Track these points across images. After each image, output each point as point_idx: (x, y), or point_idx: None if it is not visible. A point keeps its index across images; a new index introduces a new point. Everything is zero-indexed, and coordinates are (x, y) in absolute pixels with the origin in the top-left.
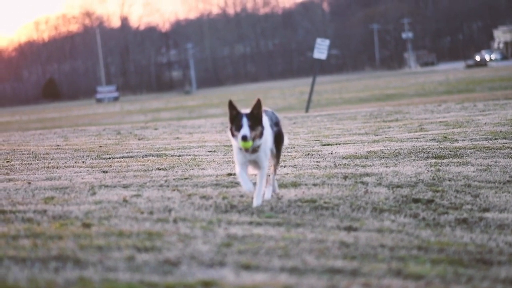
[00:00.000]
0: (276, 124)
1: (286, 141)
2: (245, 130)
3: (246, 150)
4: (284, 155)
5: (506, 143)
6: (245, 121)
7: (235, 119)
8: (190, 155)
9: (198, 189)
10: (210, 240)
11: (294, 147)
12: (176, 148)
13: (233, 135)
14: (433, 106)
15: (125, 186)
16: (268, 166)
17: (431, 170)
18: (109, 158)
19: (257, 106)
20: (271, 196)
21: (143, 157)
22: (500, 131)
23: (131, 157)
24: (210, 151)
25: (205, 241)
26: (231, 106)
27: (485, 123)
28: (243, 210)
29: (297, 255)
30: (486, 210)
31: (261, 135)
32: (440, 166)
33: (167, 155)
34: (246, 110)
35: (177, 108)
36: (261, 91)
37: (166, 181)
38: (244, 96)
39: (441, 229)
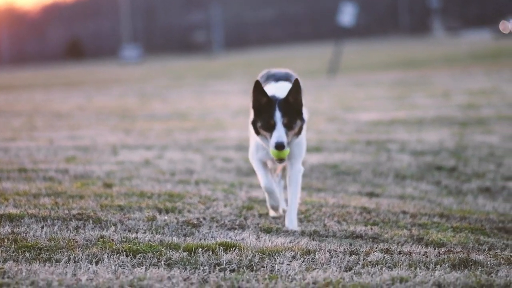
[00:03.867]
0: None
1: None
2: (280, 134)
3: (280, 160)
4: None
5: None
6: (278, 117)
7: (263, 110)
8: (213, 118)
9: (220, 151)
10: (231, 203)
11: (317, 112)
12: (199, 110)
13: (257, 132)
14: (458, 73)
15: (148, 147)
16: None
17: (455, 138)
18: (132, 119)
19: (295, 91)
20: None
21: (166, 119)
22: None
23: (154, 118)
24: (233, 114)
25: (226, 204)
26: (258, 89)
27: (511, 92)
28: None
29: (319, 219)
30: (509, 179)
31: (299, 131)
32: (464, 134)
33: (190, 117)
34: (276, 92)
35: (201, 70)
36: (288, 56)
37: (188, 143)
38: (269, 62)
39: (463, 197)
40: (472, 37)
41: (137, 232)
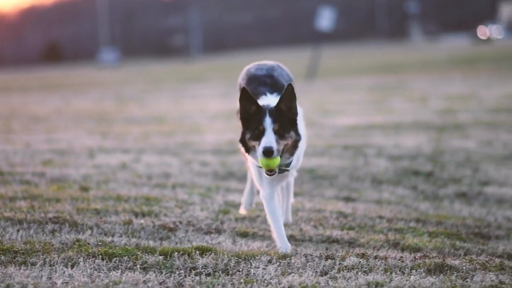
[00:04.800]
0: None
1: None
2: (269, 139)
3: (270, 171)
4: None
5: (508, 118)
6: (268, 123)
7: (252, 119)
8: (190, 122)
9: (197, 155)
10: (208, 207)
11: None
12: (176, 114)
13: (247, 148)
14: (435, 78)
15: (124, 151)
16: None
17: (432, 143)
18: (109, 123)
19: (289, 97)
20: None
21: (143, 123)
22: (503, 106)
23: (131, 122)
24: (211, 118)
25: (202, 208)
26: (245, 97)
27: (488, 97)
28: (242, 177)
29: (295, 224)
30: (486, 184)
31: (294, 146)
32: (441, 139)
33: (167, 121)
34: (267, 100)
35: (179, 74)
36: (266, 59)
37: (165, 146)
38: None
39: (439, 202)
40: (450, 42)
41: (113, 236)
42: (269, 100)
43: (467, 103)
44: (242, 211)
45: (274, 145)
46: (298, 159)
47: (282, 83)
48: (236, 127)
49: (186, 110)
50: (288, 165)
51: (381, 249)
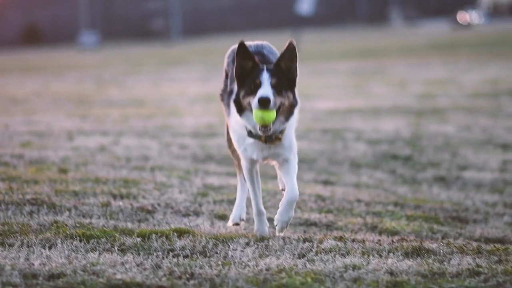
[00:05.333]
0: None
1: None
2: (266, 90)
3: (265, 127)
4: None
5: (487, 103)
6: (266, 77)
7: (247, 76)
8: (170, 105)
9: (176, 138)
10: (186, 189)
11: None
12: (156, 97)
13: (240, 107)
14: (415, 63)
15: (104, 133)
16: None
17: (411, 127)
18: (89, 105)
19: (289, 56)
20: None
21: (122, 105)
22: (482, 91)
23: (110, 104)
24: (190, 101)
25: (181, 190)
26: (242, 52)
27: (467, 82)
28: (221, 160)
29: (273, 206)
30: (464, 168)
31: (290, 110)
32: (420, 123)
33: (147, 104)
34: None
35: (159, 57)
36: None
37: (144, 129)
38: (227, 50)
39: (418, 186)
40: (430, 27)
41: (91, 218)
42: None
43: (446, 88)
44: (230, 224)
45: (270, 95)
46: (291, 141)
47: (271, 60)
48: (216, 111)
49: (165, 93)
50: (282, 132)
51: (359, 232)
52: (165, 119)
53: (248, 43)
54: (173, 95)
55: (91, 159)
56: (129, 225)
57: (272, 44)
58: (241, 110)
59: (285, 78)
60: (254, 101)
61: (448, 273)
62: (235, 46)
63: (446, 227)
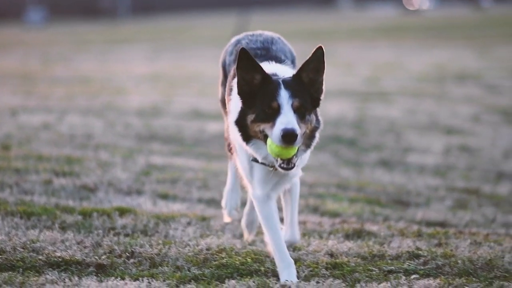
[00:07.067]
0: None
1: None
2: (289, 119)
3: (287, 164)
4: (209, 84)
5: (432, 87)
6: (285, 98)
7: (257, 94)
8: (115, 83)
9: (121, 117)
10: (130, 168)
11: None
12: (102, 75)
13: (247, 135)
14: (362, 46)
15: (48, 111)
16: None
17: (356, 110)
18: (34, 82)
19: (316, 65)
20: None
21: (68, 83)
22: (428, 75)
23: (56, 82)
24: (136, 80)
25: (124, 169)
26: (246, 60)
27: (414, 66)
28: (166, 139)
29: (216, 187)
30: (408, 152)
31: (312, 135)
32: (365, 106)
33: (92, 82)
34: (271, 66)
35: (106, 35)
36: (195, 24)
37: (89, 107)
38: (176, 29)
39: (361, 168)
40: (378, 11)
41: (32, 195)
42: (267, 68)
43: (392, 72)
44: (227, 219)
45: (296, 127)
46: (308, 154)
47: (278, 57)
48: (161, 91)
49: (112, 71)
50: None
51: (300, 214)
52: (111, 98)
53: (253, 35)
54: (120, 74)
55: (34, 137)
56: (71, 203)
57: (221, 24)
58: (247, 137)
59: (308, 96)
60: (274, 134)
61: (388, 255)
62: (238, 37)
63: (388, 210)
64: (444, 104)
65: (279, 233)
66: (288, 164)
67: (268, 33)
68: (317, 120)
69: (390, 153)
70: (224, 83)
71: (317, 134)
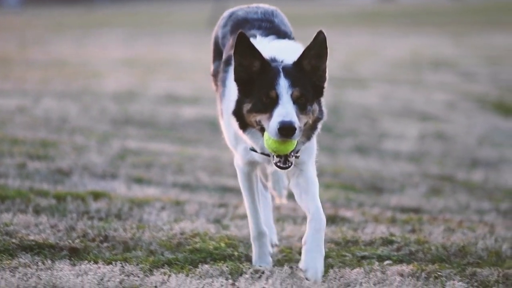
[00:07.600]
0: None
1: None
2: (287, 110)
3: (285, 163)
4: (185, 69)
5: (407, 74)
6: (284, 87)
7: (254, 81)
8: (91, 67)
9: (96, 101)
10: (104, 152)
11: (196, 65)
12: (78, 59)
13: (243, 124)
14: (339, 33)
15: (23, 94)
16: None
17: (331, 96)
18: (9, 66)
19: (318, 51)
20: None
21: (44, 67)
22: (403, 62)
23: (31, 66)
24: (112, 64)
25: (99, 153)
26: (244, 45)
27: (390, 53)
28: (141, 124)
29: (191, 171)
30: (383, 138)
31: (314, 126)
32: (341, 92)
33: (68, 66)
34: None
35: (82, 19)
36: (170, 9)
37: (65, 91)
38: (151, 14)
39: (336, 154)
40: None
41: (6, 178)
42: (263, 44)
43: (368, 58)
44: (281, 200)
45: (294, 119)
46: (312, 149)
47: (285, 31)
48: (137, 75)
49: (88, 55)
50: (298, 152)
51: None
52: (86, 82)
53: (251, 7)
54: (96, 58)
55: (9, 120)
56: (45, 186)
57: (196, 7)
58: (244, 125)
59: (309, 85)
60: (270, 127)
61: (362, 241)
62: (233, 10)
63: (362, 196)
64: (420, 91)
65: (255, 202)
66: (285, 162)
67: (265, 5)
68: (320, 110)
69: (365, 139)
70: (215, 59)
71: (319, 125)
